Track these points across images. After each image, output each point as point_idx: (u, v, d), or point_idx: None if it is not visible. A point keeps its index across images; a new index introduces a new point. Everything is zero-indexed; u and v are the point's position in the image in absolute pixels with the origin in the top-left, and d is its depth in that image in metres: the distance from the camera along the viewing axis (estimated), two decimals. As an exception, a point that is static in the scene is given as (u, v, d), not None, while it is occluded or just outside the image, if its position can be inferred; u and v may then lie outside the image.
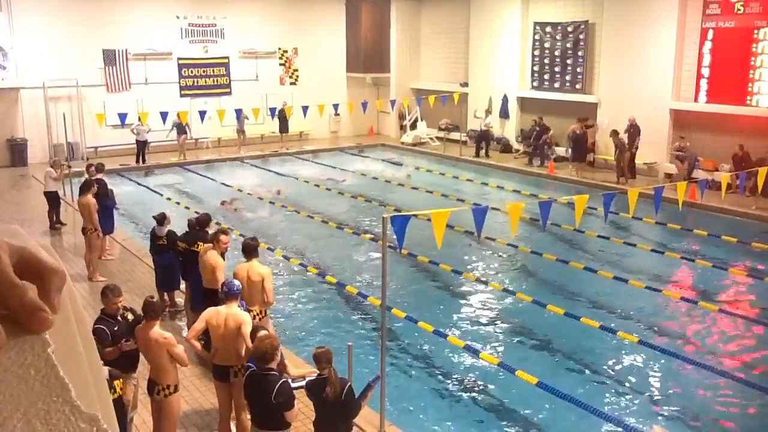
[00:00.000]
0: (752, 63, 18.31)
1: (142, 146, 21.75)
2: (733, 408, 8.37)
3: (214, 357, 6.63)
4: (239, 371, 6.52)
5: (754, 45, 18.23)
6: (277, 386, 5.40)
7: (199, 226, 9.59)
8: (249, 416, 6.30)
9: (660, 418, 8.06)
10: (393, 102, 25.13)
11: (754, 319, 10.88)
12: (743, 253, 13.88)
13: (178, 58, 24.61)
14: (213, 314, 6.61)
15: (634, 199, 9.69)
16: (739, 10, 18.39)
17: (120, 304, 6.61)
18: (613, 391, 8.67)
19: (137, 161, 21.93)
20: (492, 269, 12.92)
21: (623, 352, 9.58)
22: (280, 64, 26.97)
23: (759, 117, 18.15)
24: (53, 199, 14.75)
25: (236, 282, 6.99)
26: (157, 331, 6.06)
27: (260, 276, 7.94)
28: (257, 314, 7.95)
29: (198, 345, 6.76)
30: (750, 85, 18.44)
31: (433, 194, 18.39)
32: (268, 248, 13.19)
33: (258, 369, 5.58)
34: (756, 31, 18.15)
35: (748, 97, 18.48)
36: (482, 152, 23.75)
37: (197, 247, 9.13)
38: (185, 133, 22.29)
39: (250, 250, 8.13)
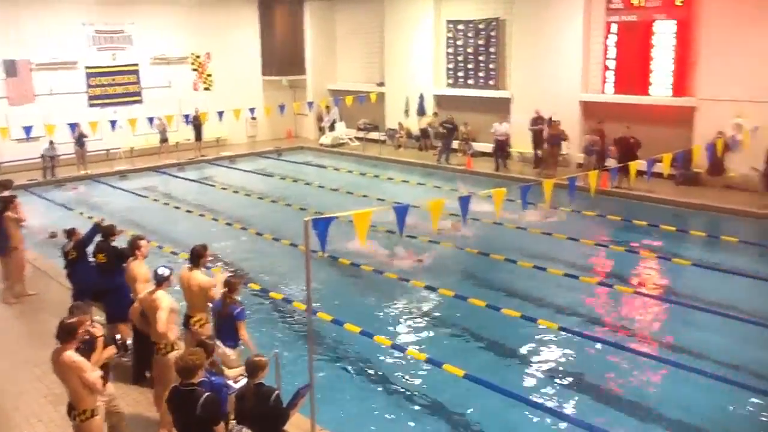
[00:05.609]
0: (652, 55, 19.19)
1: (50, 161, 21.02)
2: (650, 384, 8.72)
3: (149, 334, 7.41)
4: (160, 349, 7.20)
5: (653, 37, 19.10)
6: (201, 401, 5.27)
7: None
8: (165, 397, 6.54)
9: (580, 399, 8.30)
10: (311, 104, 25.00)
11: (667, 299, 11.37)
12: (653, 235, 14.46)
13: (86, 67, 23.77)
14: (146, 297, 7.38)
15: (549, 190, 9.95)
16: (639, 3, 19.22)
17: (87, 323, 6.29)
18: (538, 377, 8.87)
19: (44, 176, 21.10)
20: (413, 266, 12.99)
21: (544, 338, 9.82)
22: (193, 70, 26.42)
23: (658, 105, 19.06)
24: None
25: (161, 270, 7.34)
26: (68, 355, 5.80)
27: (198, 287, 7.82)
28: (198, 320, 7.85)
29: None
30: (650, 75, 19.33)
31: (354, 194, 18.41)
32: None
33: (181, 384, 5.43)
34: (653, 24, 19.03)
35: (649, 87, 19.38)
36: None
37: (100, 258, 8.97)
38: (83, 145, 21.64)
39: (192, 256, 7.98)
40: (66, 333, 5.86)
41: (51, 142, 20.66)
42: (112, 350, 6.42)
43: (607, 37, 20.09)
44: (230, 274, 7.89)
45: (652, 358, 9.20)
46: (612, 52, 20.07)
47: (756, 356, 9.25)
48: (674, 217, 15.84)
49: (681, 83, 18.78)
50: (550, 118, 20.11)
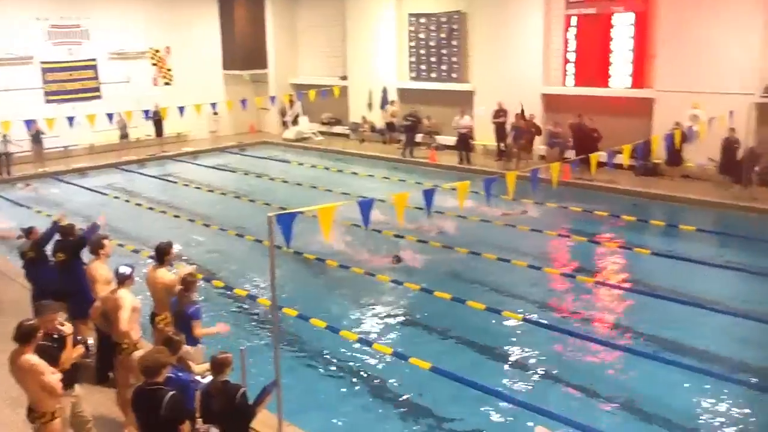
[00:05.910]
0: (611, 47, 19.46)
1: (5, 158, 20.53)
2: (620, 373, 8.85)
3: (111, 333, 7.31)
4: (122, 350, 7.15)
5: (612, 30, 19.37)
6: (166, 400, 5.20)
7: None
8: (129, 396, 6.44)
9: (547, 389, 8.41)
10: (273, 98, 24.83)
11: (628, 288, 11.54)
12: (614, 226, 14.69)
13: (41, 62, 23.24)
14: (107, 296, 7.32)
15: (512, 182, 10.00)
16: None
17: (56, 322, 6.17)
18: (502, 368, 8.94)
19: (0, 173, 20.63)
20: (378, 261, 12.99)
21: (509, 330, 9.91)
22: (152, 64, 26.00)
23: (618, 97, 19.35)
24: None
25: (122, 269, 7.23)
26: (26, 358, 5.66)
27: (163, 285, 7.76)
28: (163, 319, 7.79)
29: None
30: (610, 67, 19.60)
31: (319, 189, 18.33)
32: (150, 255, 12.69)
33: (145, 384, 5.36)
34: (612, 17, 19.30)
35: (609, 79, 19.65)
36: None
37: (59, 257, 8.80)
38: (40, 142, 21.24)
39: (157, 254, 7.90)
40: (24, 335, 5.72)
41: (4, 136, 20.17)
42: (80, 350, 6.33)
43: (567, 30, 20.31)
44: (188, 273, 7.81)
45: (614, 347, 9.34)
46: (572, 44, 20.30)
47: (722, 343, 9.43)
48: (634, 207, 16.11)
49: (640, 75, 19.09)
50: (522, 111, 20.12)
